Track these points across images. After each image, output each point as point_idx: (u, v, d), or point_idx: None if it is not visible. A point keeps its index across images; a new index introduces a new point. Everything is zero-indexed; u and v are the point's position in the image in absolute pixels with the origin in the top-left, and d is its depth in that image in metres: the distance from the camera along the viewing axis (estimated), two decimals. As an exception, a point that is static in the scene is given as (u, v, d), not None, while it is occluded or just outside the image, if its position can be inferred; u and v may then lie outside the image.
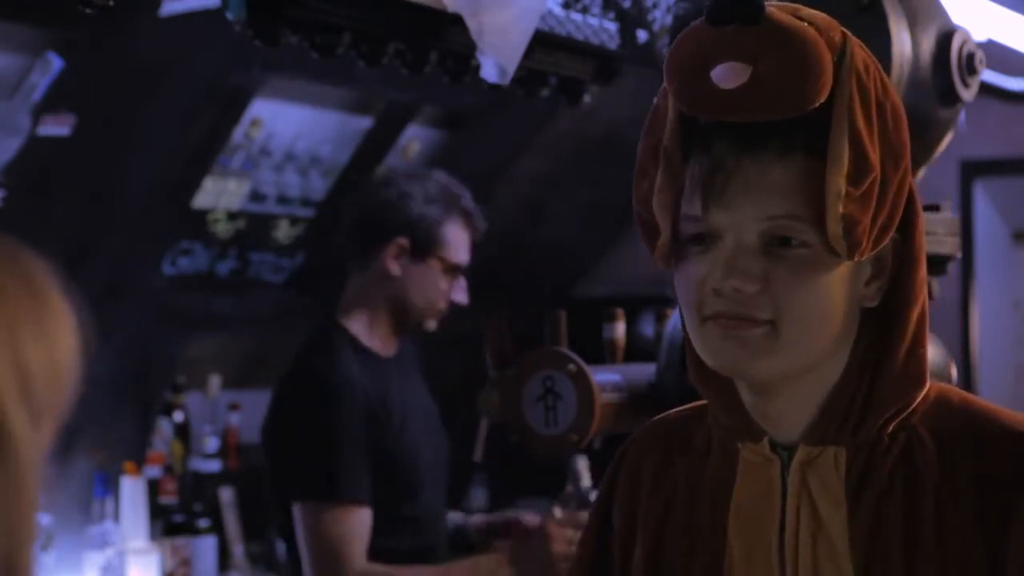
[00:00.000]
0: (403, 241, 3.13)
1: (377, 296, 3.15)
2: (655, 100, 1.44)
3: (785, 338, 1.37)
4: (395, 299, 3.15)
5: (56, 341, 0.99)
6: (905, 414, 1.43)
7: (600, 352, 2.54)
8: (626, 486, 1.56)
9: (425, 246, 3.14)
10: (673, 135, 1.40)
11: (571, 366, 2.36)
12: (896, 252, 1.43)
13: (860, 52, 1.39)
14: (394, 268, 3.13)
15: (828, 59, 1.36)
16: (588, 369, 2.37)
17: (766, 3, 1.38)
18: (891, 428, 1.43)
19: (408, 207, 3.13)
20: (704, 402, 1.53)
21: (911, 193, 1.42)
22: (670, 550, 1.49)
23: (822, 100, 1.35)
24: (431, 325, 3.19)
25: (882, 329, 1.43)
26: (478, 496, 5.60)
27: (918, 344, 1.43)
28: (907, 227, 1.43)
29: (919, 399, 1.44)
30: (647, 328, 3.96)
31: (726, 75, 1.35)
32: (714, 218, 1.38)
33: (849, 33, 1.40)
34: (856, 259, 1.38)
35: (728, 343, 1.38)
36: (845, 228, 1.35)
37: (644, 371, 2.50)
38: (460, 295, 3.21)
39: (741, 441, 1.47)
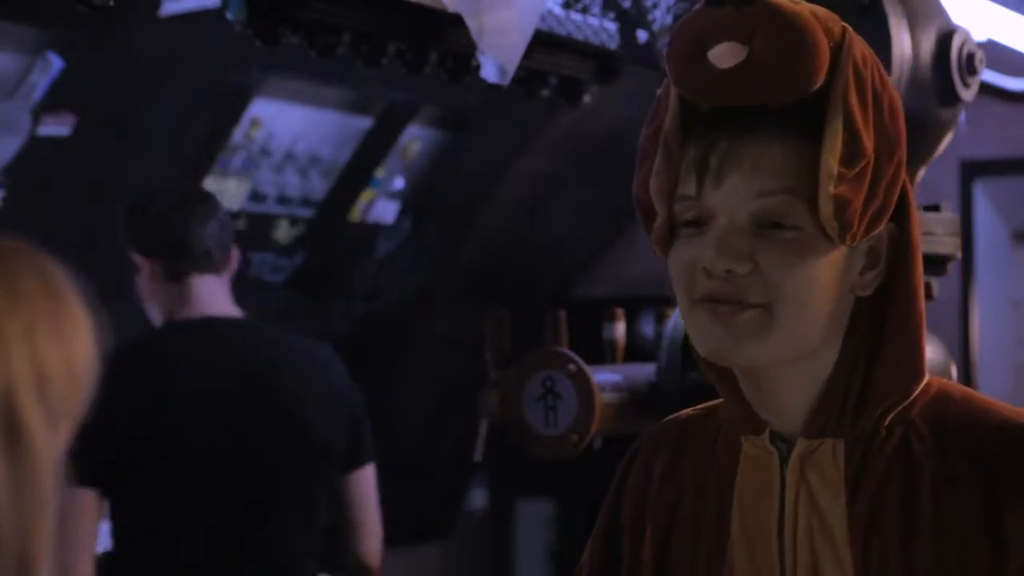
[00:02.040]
0: None
1: None
2: (659, 90, 1.46)
3: (779, 321, 1.38)
4: None
5: (74, 344, 1.00)
6: (903, 407, 1.44)
7: (600, 352, 2.54)
8: (637, 484, 1.57)
9: None
10: (673, 121, 1.42)
11: (571, 366, 2.36)
12: (892, 245, 1.44)
13: (859, 44, 1.42)
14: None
15: (824, 43, 1.38)
16: (588, 369, 2.37)
17: None
18: (888, 420, 1.44)
19: None
20: (716, 401, 1.55)
21: (904, 187, 1.44)
22: (676, 545, 1.50)
23: (817, 84, 1.37)
24: None
25: (878, 320, 1.44)
26: (478, 496, 5.60)
27: (916, 338, 1.44)
28: (902, 220, 1.44)
29: (917, 392, 1.45)
30: (647, 328, 3.97)
31: (722, 55, 1.37)
32: (708, 198, 1.39)
33: (850, 28, 1.42)
34: (848, 243, 1.39)
35: (716, 328, 1.39)
36: (836, 208, 1.37)
37: (644, 371, 2.50)
38: None
39: (744, 434, 1.48)
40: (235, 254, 3.17)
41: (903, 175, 1.43)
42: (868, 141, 1.38)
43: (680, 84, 1.40)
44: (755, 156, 1.38)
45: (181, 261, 3.09)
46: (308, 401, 3.08)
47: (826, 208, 1.36)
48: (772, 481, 1.45)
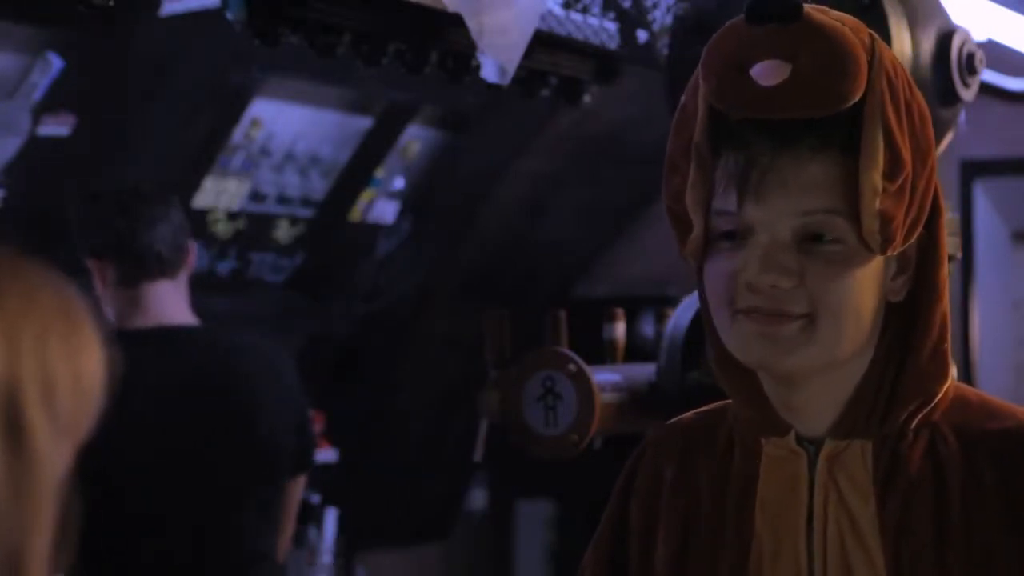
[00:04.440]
0: None
1: None
2: (683, 98, 1.45)
3: (821, 331, 1.39)
4: None
5: (83, 365, 1.00)
6: (928, 409, 1.45)
7: (600, 352, 2.54)
8: (646, 487, 1.56)
9: None
10: (704, 131, 1.41)
11: (571, 366, 2.36)
12: (920, 248, 1.46)
13: (888, 53, 1.42)
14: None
15: (863, 57, 1.38)
16: (588, 369, 2.37)
17: (803, 2, 1.40)
18: (914, 423, 1.45)
19: None
20: (722, 403, 1.54)
21: (936, 193, 1.45)
22: (695, 549, 1.50)
23: (858, 97, 1.37)
24: None
25: (907, 323, 1.45)
26: (478, 496, 5.60)
27: (942, 339, 1.46)
28: (931, 224, 1.46)
29: (941, 394, 1.46)
30: (647, 328, 3.97)
31: (766, 73, 1.37)
32: (749, 213, 1.39)
33: (877, 36, 1.43)
34: (888, 254, 1.41)
35: (760, 339, 1.40)
36: (881, 223, 1.38)
37: (644, 371, 2.50)
38: None
39: (765, 436, 1.48)
40: (191, 253, 3.07)
41: (935, 179, 1.44)
42: (907, 153, 1.39)
43: (718, 99, 1.40)
44: (797, 172, 1.38)
45: (130, 267, 2.97)
46: (265, 409, 3.03)
47: (871, 224, 1.37)
48: (800, 482, 1.45)
